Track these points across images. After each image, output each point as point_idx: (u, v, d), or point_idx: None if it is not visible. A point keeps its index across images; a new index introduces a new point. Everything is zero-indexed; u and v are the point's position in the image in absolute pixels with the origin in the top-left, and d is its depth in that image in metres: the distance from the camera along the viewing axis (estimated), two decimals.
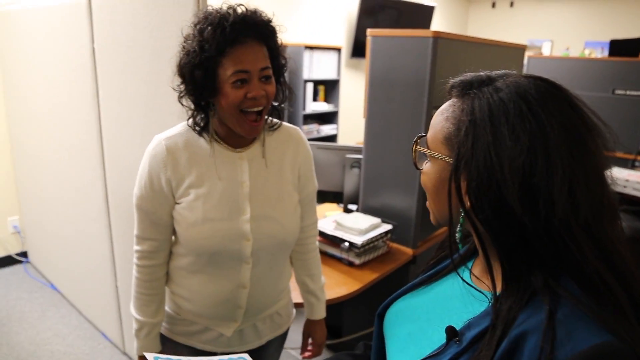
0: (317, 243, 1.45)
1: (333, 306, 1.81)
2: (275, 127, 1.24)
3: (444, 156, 0.66)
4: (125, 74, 1.90)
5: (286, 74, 1.18)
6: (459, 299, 0.72)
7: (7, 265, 3.46)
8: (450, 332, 0.65)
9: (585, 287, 0.57)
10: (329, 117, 5.33)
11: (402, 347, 0.75)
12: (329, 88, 5.28)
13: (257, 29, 1.06)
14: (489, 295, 0.64)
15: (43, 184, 2.97)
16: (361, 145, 2.36)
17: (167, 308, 1.31)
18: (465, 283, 0.70)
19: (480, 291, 0.68)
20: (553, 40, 6.99)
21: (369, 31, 2.15)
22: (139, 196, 1.19)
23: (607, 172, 0.61)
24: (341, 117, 5.38)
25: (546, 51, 6.93)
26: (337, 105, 5.29)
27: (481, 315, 0.63)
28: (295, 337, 1.59)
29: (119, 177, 2.15)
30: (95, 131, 2.21)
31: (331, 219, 2.15)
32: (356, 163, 2.38)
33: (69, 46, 2.27)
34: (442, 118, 0.67)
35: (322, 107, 5.15)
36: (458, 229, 0.68)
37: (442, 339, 0.67)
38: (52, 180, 2.84)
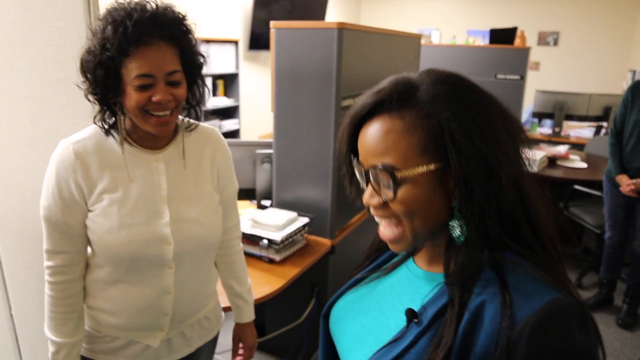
0: (241, 245, 1.41)
1: (255, 305, 1.78)
2: (192, 127, 1.20)
3: (429, 166, 0.63)
4: (5, 70, 1.68)
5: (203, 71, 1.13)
6: (408, 285, 0.74)
7: None
8: (410, 314, 0.66)
9: (526, 256, 0.63)
10: (229, 112, 5.21)
11: (357, 341, 0.75)
12: (228, 82, 5.16)
13: (165, 29, 0.99)
14: (441, 277, 0.67)
15: None
16: (270, 140, 2.32)
17: (85, 326, 1.20)
18: (414, 269, 0.74)
19: (432, 274, 0.71)
20: (440, 30, 7.45)
21: (272, 23, 2.10)
22: (47, 207, 1.08)
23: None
24: (242, 111, 5.28)
25: (435, 40, 7.36)
26: (237, 100, 5.18)
27: (436, 295, 0.66)
28: (223, 342, 1.53)
29: (2, 191, 1.91)
30: None
31: (247, 216, 2.09)
32: (267, 158, 2.34)
33: None
34: (397, 135, 0.64)
35: (222, 101, 5.02)
36: (457, 225, 0.65)
37: (399, 324, 0.69)
38: None
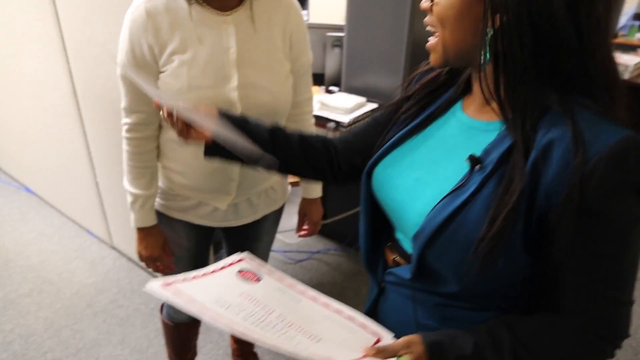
0: (313, 120, 1.39)
1: None
2: None
3: None
4: None
5: None
6: (461, 136, 0.72)
7: None
8: (473, 159, 0.65)
9: (594, 99, 0.61)
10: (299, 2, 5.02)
11: (413, 193, 0.74)
12: None
13: None
14: (497, 124, 0.66)
15: (2, 86, 2.75)
16: (341, 23, 2.23)
17: (160, 184, 1.28)
18: (465, 119, 0.73)
19: (485, 123, 0.70)
20: None
21: None
22: (122, 65, 1.11)
23: None
24: (311, 1, 5.06)
25: None
26: None
27: (497, 139, 0.65)
28: (282, 223, 1.58)
29: (85, 64, 1.99)
30: (52, 18, 1.99)
31: (315, 99, 2.08)
32: (337, 42, 2.26)
33: None
34: None
35: None
36: (484, 52, 0.63)
37: (459, 172, 0.67)
38: (7, 75, 2.63)
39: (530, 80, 0.61)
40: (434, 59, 0.71)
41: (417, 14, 1.95)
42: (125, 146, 1.20)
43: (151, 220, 1.27)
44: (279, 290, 0.77)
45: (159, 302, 2.17)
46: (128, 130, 1.18)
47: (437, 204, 0.67)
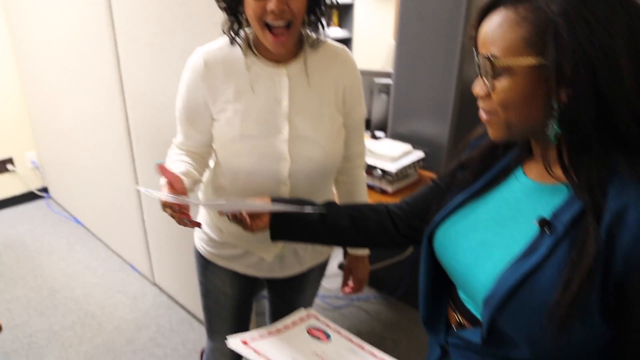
0: (365, 175, 1.36)
1: None
2: (316, 43, 1.14)
3: (530, 59, 0.62)
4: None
5: None
6: (526, 198, 0.72)
7: (29, 200, 3.48)
8: (543, 222, 0.65)
9: None
10: (343, 44, 5.11)
11: (479, 256, 0.73)
12: (342, 12, 5.02)
13: None
14: (563, 187, 0.66)
15: (58, 116, 2.90)
16: (389, 70, 2.24)
17: (209, 231, 1.29)
18: (528, 182, 0.73)
19: (549, 186, 0.69)
20: None
21: None
22: (178, 109, 1.17)
23: None
24: (355, 43, 5.15)
25: None
26: (351, 31, 5.05)
27: (566, 203, 0.64)
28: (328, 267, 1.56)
29: (140, 105, 2.08)
30: (111, 55, 2.10)
31: None
32: (385, 88, 2.28)
33: None
34: (507, 27, 0.63)
35: (336, 32, 4.93)
36: (550, 127, 0.63)
37: (526, 235, 0.67)
38: (67, 112, 2.77)
39: (595, 146, 0.61)
40: (495, 135, 0.71)
41: (467, 59, 1.95)
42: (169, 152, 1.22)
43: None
44: (350, 350, 0.81)
45: (196, 343, 2.17)
46: (176, 146, 1.22)
47: (507, 268, 0.66)
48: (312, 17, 1.09)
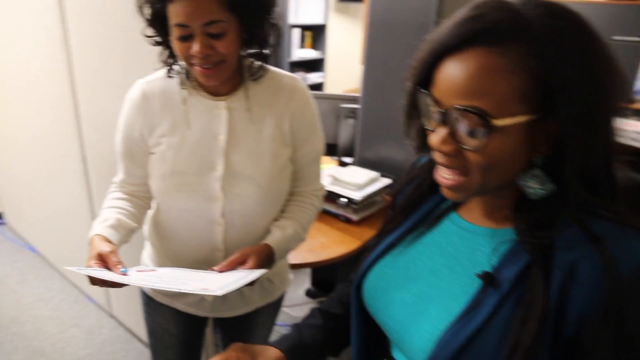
0: (318, 206, 1.21)
1: (329, 265, 1.73)
2: (257, 75, 1.05)
3: (526, 117, 0.53)
4: (97, 17, 1.69)
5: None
6: (461, 244, 0.66)
7: None
8: (487, 277, 0.59)
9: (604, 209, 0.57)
10: (315, 65, 5.10)
11: (414, 314, 0.66)
12: (316, 34, 5.03)
13: None
14: (505, 233, 0.61)
15: (14, 142, 2.77)
16: (356, 94, 2.20)
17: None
18: (465, 225, 0.67)
19: (489, 230, 0.64)
20: None
21: None
22: (118, 142, 1.11)
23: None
24: (328, 64, 5.15)
25: None
26: (324, 52, 5.05)
27: (509, 254, 0.59)
28: (290, 296, 1.48)
29: (97, 133, 1.98)
30: (67, 83, 2.00)
31: (326, 172, 2.01)
32: (351, 113, 2.23)
33: None
34: (497, 76, 0.52)
35: (308, 54, 4.92)
36: (530, 183, 0.58)
37: (466, 289, 0.61)
38: (23, 138, 2.64)
39: (568, 197, 0.56)
40: (459, 195, 0.61)
41: None
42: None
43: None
44: None
45: None
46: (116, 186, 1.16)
47: (448, 328, 0.59)
48: (253, 47, 1.02)
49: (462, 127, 0.55)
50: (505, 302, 0.57)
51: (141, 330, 2.27)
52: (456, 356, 0.57)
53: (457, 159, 0.57)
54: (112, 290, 2.33)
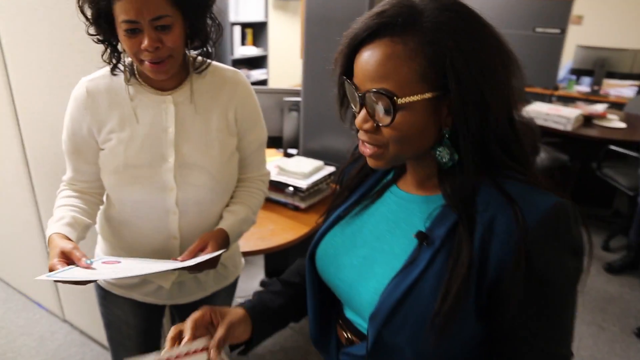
0: (265, 191, 1.31)
1: (279, 252, 1.81)
2: (201, 68, 1.12)
3: (427, 94, 0.63)
4: (30, 15, 1.68)
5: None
6: (401, 211, 0.76)
7: None
8: (421, 235, 0.68)
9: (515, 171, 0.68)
10: (258, 62, 5.15)
11: (361, 274, 0.75)
12: (257, 31, 5.07)
13: None
14: (436, 199, 0.71)
15: None
16: (298, 88, 2.29)
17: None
18: (403, 194, 0.77)
19: (423, 197, 0.74)
20: None
21: None
22: (64, 140, 1.12)
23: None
24: (271, 61, 5.21)
25: None
26: (266, 49, 5.11)
27: (440, 216, 0.69)
28: (244, 287, 1.56)
29: (37, 132, 1.95)
30: (2, 83, 1.96)
31: (273, 164, 2.10)
32: (294, 106, 2.32)
33: None
34: (399, 61, 0.62)
35: (250, 51, 4.96)
36: (445, 151, 0.68)
37: (406, 249, 0.71)
38: None
39: (470, 165, 0.66)
40: (379, 165, 0.72)
41: None
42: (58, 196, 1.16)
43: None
44: None
45: None
46: (66, 184, 1.17)
47: (390, 282, 0.68)
48: (197, 42, 1.08)
49: (377, 107, 0.65)
50: (437, 256, 0.66)
51: (97, 332, 2.27)
52: (397, 304, 0.66)
53: (376, 134, 0.68)
54: (63, 294, 2.32)
